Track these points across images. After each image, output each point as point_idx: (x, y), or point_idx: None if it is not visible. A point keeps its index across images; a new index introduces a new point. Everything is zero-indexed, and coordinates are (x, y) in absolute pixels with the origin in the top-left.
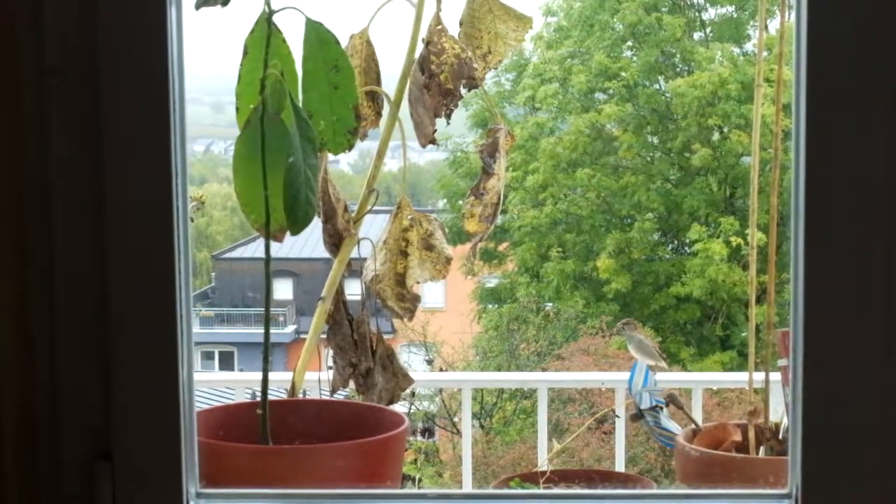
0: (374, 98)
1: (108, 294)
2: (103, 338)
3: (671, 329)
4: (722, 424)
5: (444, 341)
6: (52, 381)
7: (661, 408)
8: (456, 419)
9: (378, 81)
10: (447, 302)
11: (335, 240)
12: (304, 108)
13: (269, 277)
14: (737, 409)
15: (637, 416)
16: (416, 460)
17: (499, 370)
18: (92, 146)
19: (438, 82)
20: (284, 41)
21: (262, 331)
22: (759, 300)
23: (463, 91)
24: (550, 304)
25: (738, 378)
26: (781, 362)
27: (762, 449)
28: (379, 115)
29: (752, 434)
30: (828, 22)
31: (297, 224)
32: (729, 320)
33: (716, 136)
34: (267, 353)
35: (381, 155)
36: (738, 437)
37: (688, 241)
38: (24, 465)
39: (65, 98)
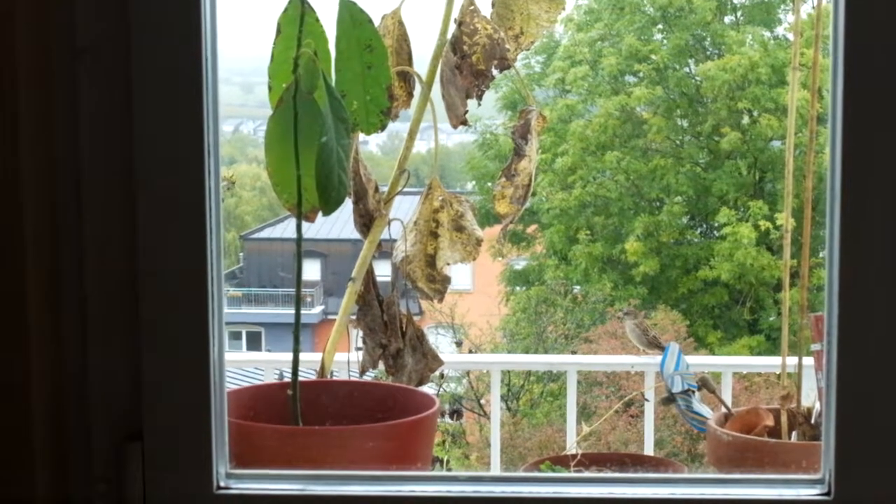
0: (406, 79)
1: (139, 273)
2: (133, 317)
3: (699, 313)
4: (754, 409)
5: (471, 323)
6: (82, 360)
7: (693, 391)
8: (483, 401)
9: (410, 62)
10: (475, 284)
11: (366, 220)
12: (336, 87)
13: (301, 257)
14: (764, 393)
15: (669, 399)
16: (444, 442)
17: (526, 353)
18: (124, 125)
19: (470, 63)
20: (318, 20)
21: (289, 311)
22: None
23: (495, 72)
24: (578, 287)
25: (768, 362)
26: (815, 346)
27: (794, 434)
28: (410, 95)
29: (784, 419)
30: (866, 5)
31: (329, 204)
32: (757, 304)
33: (745, 120)
34: (297, 334)
35: (412, 135)
36: (770, 422)
37: (716, 224)
38: (53, 445)
39: (97, 77)
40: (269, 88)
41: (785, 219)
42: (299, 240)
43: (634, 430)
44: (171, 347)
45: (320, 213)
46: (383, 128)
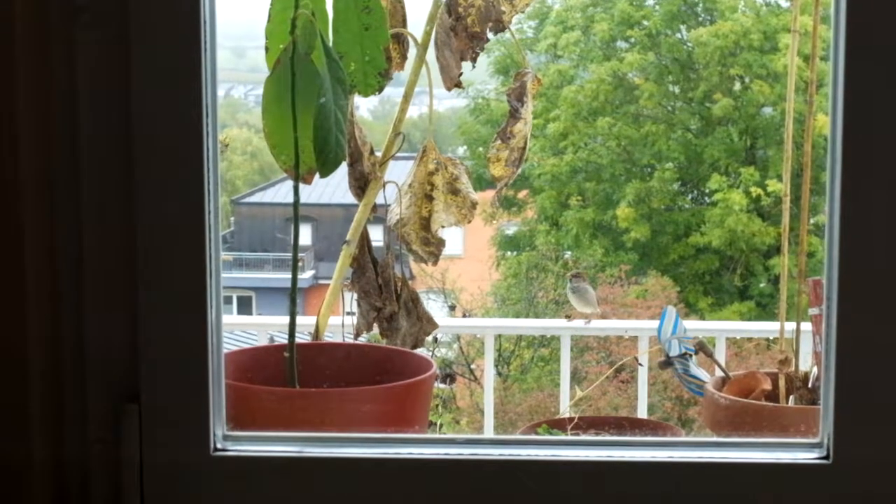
0: (400, 41)
1: (137, 234)
2: (131, 278)
3: (690, 279)
4: (752, 373)
5: (462, 288)
6: (79, 321)
7: (691, 355)
8: (473, 366)
9: (404, 24)
10: (466, 249)
11: (361, 183)
12: (334, 48)
13: (298, 220)
14: (754, 359)
15: (666, 363)
16: (435, 406)
17: (517, 318)
18: (122, 85)
19: (465, 25)
20: None
21: (280, 275)
22: (777, 250)
23: (489, 34)
24: (569, 253)
25: (763, 327)
26: (813, 311)
27: (792, 398)
28: (404, 58)
29: (782, 383)
30: None
31: (327, 166)
32: (748, 270)
33: (737, 87)
34: (294, 295)
35: (407, 98)
36: (768, 386)
37: (708, 190)
38: (50, 406)
39: (94, 38)
40: (266, 50)
41: (784, 184)
42: (296, 202)
43: (625, 396)
44: (169, 309)
45: (317, 175)
46: (381, 89)
